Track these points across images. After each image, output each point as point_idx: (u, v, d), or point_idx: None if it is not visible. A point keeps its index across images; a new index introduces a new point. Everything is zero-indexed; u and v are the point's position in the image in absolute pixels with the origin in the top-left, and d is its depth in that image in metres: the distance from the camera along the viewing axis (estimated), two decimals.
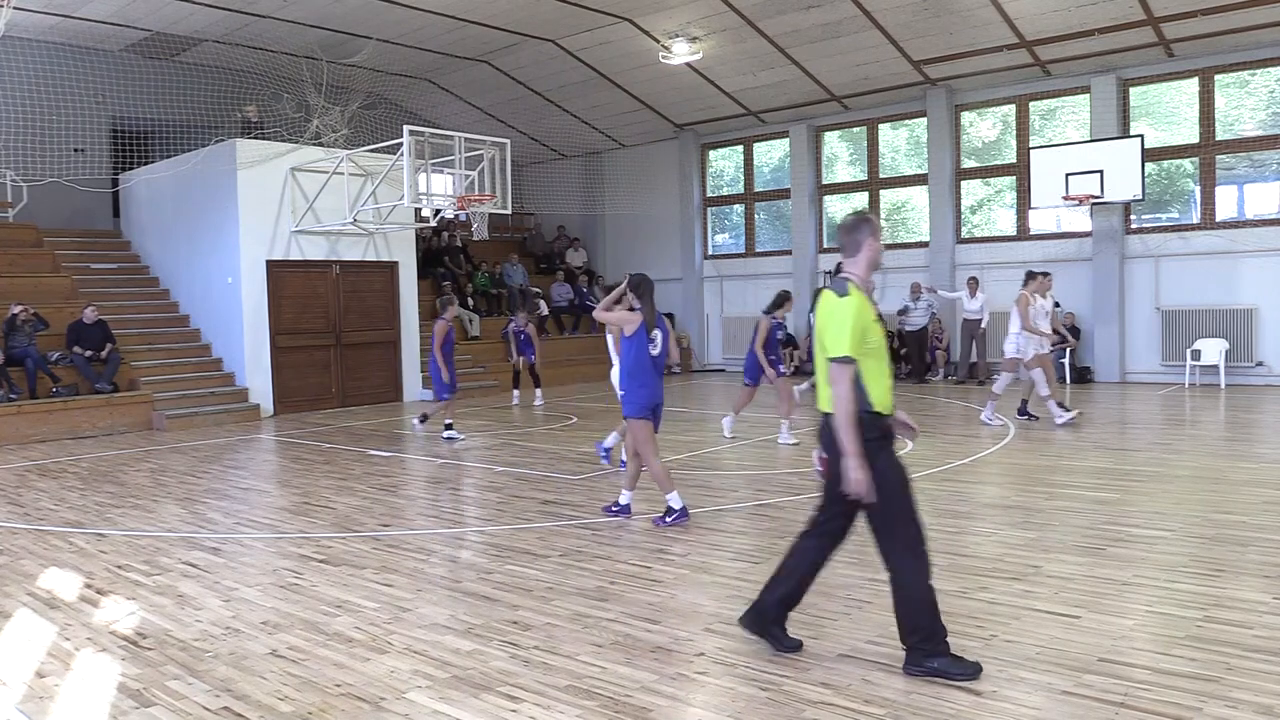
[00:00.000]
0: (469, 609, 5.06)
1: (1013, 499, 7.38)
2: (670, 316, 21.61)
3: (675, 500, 6.79)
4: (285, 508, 7.97)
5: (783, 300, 10.03)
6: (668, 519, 6.75)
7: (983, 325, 16.59)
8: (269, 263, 14.91)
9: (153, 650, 4.53)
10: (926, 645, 3.97)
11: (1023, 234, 17.44)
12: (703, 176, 21.62)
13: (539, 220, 24.00)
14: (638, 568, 5.75)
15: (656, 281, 24.60)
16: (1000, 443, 10.17)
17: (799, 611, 4.82)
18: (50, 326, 13.55)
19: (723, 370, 21.06)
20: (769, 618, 4.32)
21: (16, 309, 13.04)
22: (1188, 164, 16.16)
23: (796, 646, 4.30)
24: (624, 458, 9.05)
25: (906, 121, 18.86)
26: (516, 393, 15.91)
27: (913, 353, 17.47)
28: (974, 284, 16.60)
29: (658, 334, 6.83)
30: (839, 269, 4.42)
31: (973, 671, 3.93)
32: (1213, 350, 15.09)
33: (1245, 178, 15.80)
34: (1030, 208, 16.73)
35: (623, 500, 7.15)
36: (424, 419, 12.49)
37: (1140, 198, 15.35)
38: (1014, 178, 17.53)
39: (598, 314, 7.03)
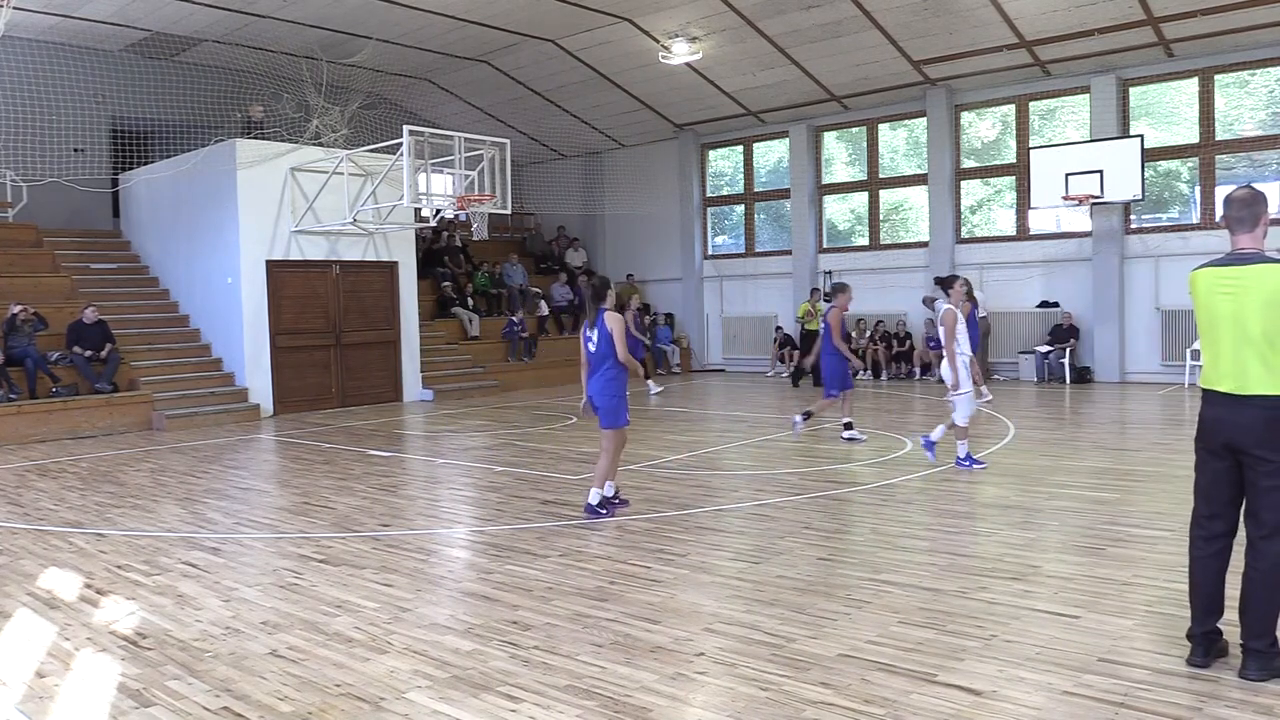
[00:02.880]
0: (469, 609, 5.06)
1: (1013, 499, 7.38)
2: (670, 317, 21.63)
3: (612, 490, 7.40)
4: (285, 508, 7.97)
5: None
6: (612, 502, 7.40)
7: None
8: (269, 263, 14.90)
9: (153, 650, 4.53)
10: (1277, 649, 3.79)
11: (1022, 234, 17.45)
12: (702, 176, 21.62)
13: (539, 220, 24.01)
14: (638, 568, 5.74)
15: (657, 282, 24.42)
16: (1000, 443, 10.18)
17: (799, 611, 4.83)
18: (50, 326, 13.54)
19: (723, 370, 21.07)
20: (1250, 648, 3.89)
21: (16, 309, 13.03)
22: (1184, 170, 16.17)
23: None
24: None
25: (906, 121, 18.86)
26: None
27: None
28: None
29: (594, 332, 7.20)
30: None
31: None
32: None
33: (1245, 178, 15.79)
34: (1030, 208, 16.74)
35: (592, 500, 7.19)
36: (807, 416, 11.03)
37: (1140, 197, 15.36)
38: (1014, 178, 17.53)
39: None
